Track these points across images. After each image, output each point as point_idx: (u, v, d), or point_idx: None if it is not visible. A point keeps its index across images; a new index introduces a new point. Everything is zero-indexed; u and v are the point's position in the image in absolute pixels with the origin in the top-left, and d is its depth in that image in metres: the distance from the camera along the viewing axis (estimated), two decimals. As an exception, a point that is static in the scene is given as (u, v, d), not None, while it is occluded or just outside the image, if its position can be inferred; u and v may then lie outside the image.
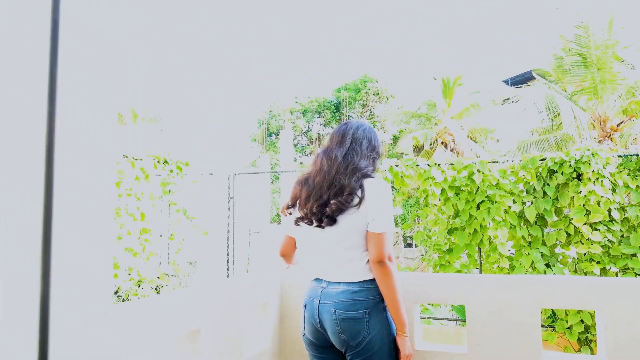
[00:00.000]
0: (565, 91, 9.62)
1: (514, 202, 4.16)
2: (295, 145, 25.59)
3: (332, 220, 1.67)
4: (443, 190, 4.34)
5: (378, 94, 23.80)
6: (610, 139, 8.10)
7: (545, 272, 3.99)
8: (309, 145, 25.34)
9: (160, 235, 4.36)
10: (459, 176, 4.32)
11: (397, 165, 4.51)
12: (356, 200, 1.65)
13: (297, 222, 1.78)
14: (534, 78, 13.92)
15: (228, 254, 5.29)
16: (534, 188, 4.15)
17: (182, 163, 4.43)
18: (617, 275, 3.88)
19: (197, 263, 8.17)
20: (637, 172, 3.94)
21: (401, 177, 4.50)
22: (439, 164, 4.42)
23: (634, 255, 3.78)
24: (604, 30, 7.52)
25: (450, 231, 4.42)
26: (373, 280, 1.65)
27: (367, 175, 1.72)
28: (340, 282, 1.67)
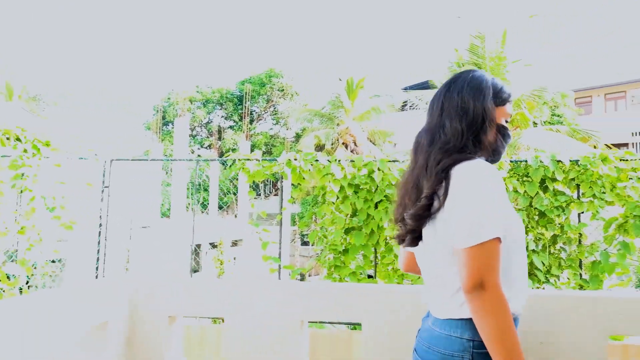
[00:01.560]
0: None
1: (412, 202, 4.06)
2: (194, 137, 24.41)
3: (415, 238, 1.24)
4: (342, 187, 4.13)
5: (283, 89, 23.56)
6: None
7: (437, 275, 3.94)
8: (208, 137, 24.31)
9: (6, 228, 3.59)
10: (359, 174, 4.13)
11: (295, 160, 4.21)
12: (436, 204, 1.17)
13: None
14: (430, 88, 14.64)
15: (99, 251, 4.59)
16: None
17: (40, 142, 3.69)
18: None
19: (66, 261, 7.17)
20: (525, 178, 4.06)
21: (299, 172, 4.20)
22: (339, 160, 4.20)
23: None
24: (497, 43, 8.02)
25: (347, 231, 4.22)
26: (464, 320, 1.14)
27: (457, 161, 1.17)
28: (429, 316, 1.27)
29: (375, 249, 4.21)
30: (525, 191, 3.97)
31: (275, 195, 23.87)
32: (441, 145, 1.23)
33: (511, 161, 4.07)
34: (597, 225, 4.09)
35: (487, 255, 1.07)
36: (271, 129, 25.52)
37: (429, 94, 9.45)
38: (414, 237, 1.25)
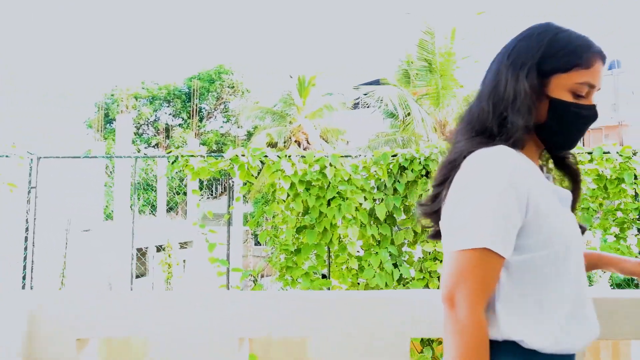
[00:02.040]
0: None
1: (365, 199, 3.93)
2: (140, 135, 23.40)
3: (433, 234, 1.05)
4: (293, 184, 3.93)
5: (233, 86, 23.02)
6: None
7: (392, 273, 3.83)
8: (155, 135, 23.39)
9: None
10: (310, 170, 3.95)
11: (243, 155, 3.97)
12: (443, 196, 0.98)
13: None
14: (378, 84, 14.71)
15: (25, 258, 4.15)
16: (385, 185, 3.98)
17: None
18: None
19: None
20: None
21: (247, 169, 3.96)
22: (289, 156, 4.00)
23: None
24: (447, 39, 8.09)
25: (299, 230, 4.03)
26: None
27: (473, 148, 0.95)
28: None
29: (328, 248, 4.04)
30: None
31: (226, 194, 23.35)
32: (464, 126, 1.02)
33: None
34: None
35: (463, 267, 0.88)
36: (222, 127, 24.92)
37: (380, 90, 9.45)
38: (431, 233, 1.07)
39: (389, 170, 3.97)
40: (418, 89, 8.93)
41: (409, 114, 8.35)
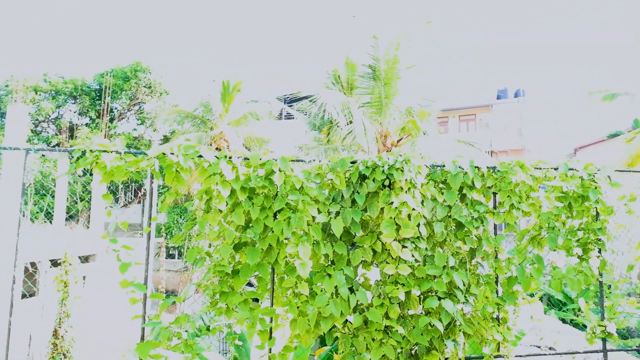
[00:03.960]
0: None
1: (319, 211, 3.34)
2: (38, 134, 20.87)
3: None
4: (233, 191, 3.24)
5: (150, 87, 21.39)
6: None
7: (349, 299, 3.27)
8: (57, 134, 20.96)
9: None
10: (255, 175, 3.29)
11: (172, 153, 3.20)
12: None
13: None
14: (307, 97, 14.31)
15: None
16: (342, 196, 3.43)
17: None
18: (420, 298, 3.42)
19: None
20: (442, 185, 3.61)
21: (177, 170, 3.21)
22: (229, 157, 3.30)
23: (437, 276, 3.38)
24: (392, 45, 7.83)
25: (237, 247, 3.33)
26: None
27: None
28: None
29: (273, 269, 3.39)
30: (444, 200, 3.51)
31: (138, 203, 21.44)
32: None
33: (428, 166, 3.59)
34: (512, 238, 3.82)
35: None
36: (135, 129, 23.04)
37: (325, 96, 8.94)
38: None
39: (347, 179, 3.43)
40: (360, 96, 8.60)
41: (350, 121, 7.94)
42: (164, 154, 3.18)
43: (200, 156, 3.26)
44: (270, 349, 3.33)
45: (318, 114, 9.45)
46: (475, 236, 3.59)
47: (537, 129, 31.20)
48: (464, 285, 3.44)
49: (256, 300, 3.41)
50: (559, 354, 4.05)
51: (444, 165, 3.60)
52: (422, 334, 3.30)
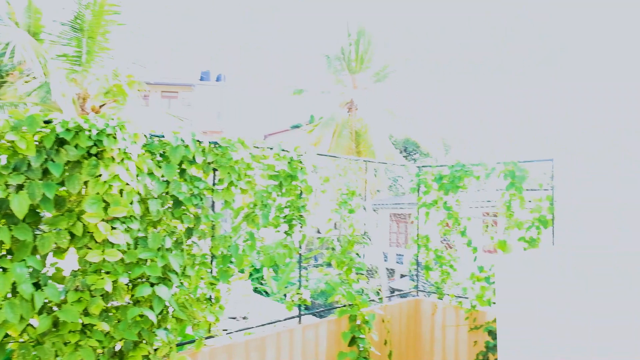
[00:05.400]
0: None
1: (-8, 184, 2.44)
2: None
3: None
4: None
5: None
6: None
7: (33, 298, 2.53)
8: None
9: None
10: None
11: None
12: None
13: None
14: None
15: None
16: (29, 164, 2.60)
17: None
18: (129, 287, 2.97)
19: None
20: (161, 157, 3.22)
21: None
22: None
23: (151, 260, 2.99)
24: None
25: None
26: None
27: None
28: None
29: None
30: (162, 174, 3.14)
31: None
32: None
33: (147, 135, 3.14)
34: (228, 216, 3.77)
35: None
36: None
37: (12, 33, 6.72)
38: None
39: (39, 144, 2.63)
40: (52, 47, 6.88)
41: (45, 74, 6.26)
42: None
43: None
44: None
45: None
46: (193, 214, 3.37)
47: (235, 113, 33.42)
48: (180, 267, 3.17)
49: None
50: (269, 323, 4.23)
51: (163, 136, 3.22)
52: (130, 328, 2.88)
